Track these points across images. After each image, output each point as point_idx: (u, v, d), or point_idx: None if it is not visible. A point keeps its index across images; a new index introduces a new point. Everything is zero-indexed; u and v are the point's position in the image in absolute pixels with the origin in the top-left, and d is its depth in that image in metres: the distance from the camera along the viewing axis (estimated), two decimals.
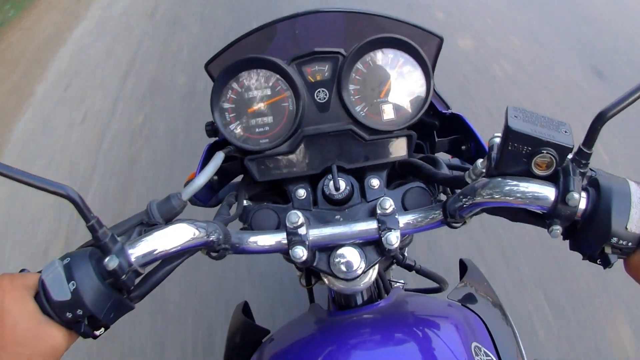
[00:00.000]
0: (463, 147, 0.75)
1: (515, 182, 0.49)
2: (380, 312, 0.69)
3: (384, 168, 0.68)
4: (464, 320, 0.68)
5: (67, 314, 0.44)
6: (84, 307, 0.44)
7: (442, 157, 0.82)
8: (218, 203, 0.79)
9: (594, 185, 0.47)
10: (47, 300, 0.44)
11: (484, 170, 0.55)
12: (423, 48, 0.65)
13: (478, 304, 0.77)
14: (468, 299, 0.79)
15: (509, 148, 0.48)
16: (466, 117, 0.73)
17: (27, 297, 0.44)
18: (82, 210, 0.45)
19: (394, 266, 1.04)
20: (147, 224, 0.54)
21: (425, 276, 0.97)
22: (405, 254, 0.96)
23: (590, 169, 0.48)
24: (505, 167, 0.50)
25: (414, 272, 0.92)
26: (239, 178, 0.79)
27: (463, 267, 0.91)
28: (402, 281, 1.19)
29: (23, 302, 0.44)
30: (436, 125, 0.76)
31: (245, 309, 0.89)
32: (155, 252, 0.49)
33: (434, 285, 1.02)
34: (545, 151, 0.47)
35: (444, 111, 0.75)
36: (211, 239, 0.53)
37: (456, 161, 0.80)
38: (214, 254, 0.57)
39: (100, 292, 0.46)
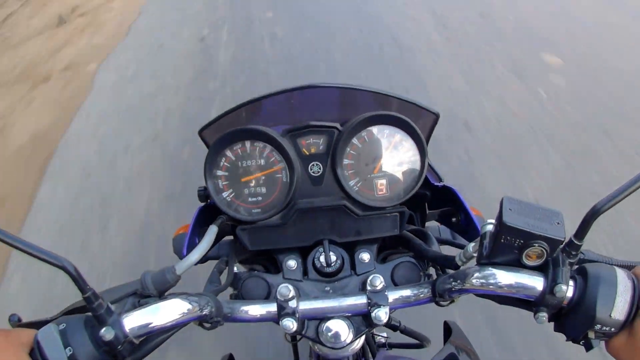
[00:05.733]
0: (453, 219, 0.76)
1: (505, 273, 0.50)
2: None
3: (374, 242, 0.69)
4: None
5: None
6: None
7: (432, 224, 0.84)
8: (206, 260, 0.79)
9: (582, 273, 0.49)
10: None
11: (474, 255, 0.56)
12: (418, 123, 0.67)
13: None
14: None
15: (502, 240, 0.49)
16: (458, 190, 0.74)
17: (23, 354, 0.45)
18: (78, 281, 0.46)
19: None
20: (141, 295, 0.54)
21: (409, 336, 0.97)
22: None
23: (580, 251, 0.49)
24: (496, 256, 0.51)
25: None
26: (228, 235, 0.79)
27: (447, 329, 0.92)
28: (385, 334, 1.19)
29: (19, 359, 0.45)
30: (427, 196, 0.77)
31: None
32: (150, 326, 0.50)
33: (416, 341, 1.02)
34: (536, 244, 0.47)
35: (436, 183, 0.76)
36: (204, 312, 0.54)
37: (446, 233, 0.81)
38: (206, 325, 0.57)
39: (95, 359, 0.47)
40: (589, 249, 0.52)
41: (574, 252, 0.48)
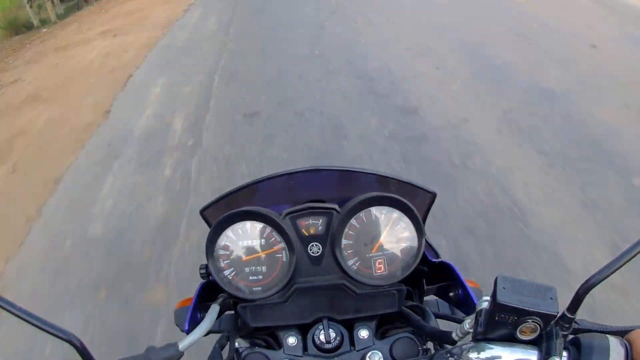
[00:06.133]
0: (451, 294, 0.77)
1: (500, 348, 0.51)
2: None
3: (373, 318, 0.70)
4: None
5: None
6: None
7: (431, 298, 0.85)
8: (208, 334, 0.80)
9: (575, 344, 0.49)
10: None
11: (470, 331, 0.57)
12: (415, 202, 0.69)
13: None
14: None
15: (496, 318, 0.50)
16: (455, 266, 0.75)
17: None
18: (84, 354, 0.48)
19: None
20: None
21: None
22: None
23: (574, 321, 0.50)
24: (492, 332, 0.52)
25: None
26: (229, 310, 0.80)
27: None
28: None
29: None
30: (425, 272, 0.78)
31: None
32: None
33: None
34: (530, 320, 0.49)
35: (433, 260, 0.77)
36: None
37: (445, 306, 0.82)
38: None
39: None
40: (583, 318, 0.53)
41: (567, 325, 0.49)
